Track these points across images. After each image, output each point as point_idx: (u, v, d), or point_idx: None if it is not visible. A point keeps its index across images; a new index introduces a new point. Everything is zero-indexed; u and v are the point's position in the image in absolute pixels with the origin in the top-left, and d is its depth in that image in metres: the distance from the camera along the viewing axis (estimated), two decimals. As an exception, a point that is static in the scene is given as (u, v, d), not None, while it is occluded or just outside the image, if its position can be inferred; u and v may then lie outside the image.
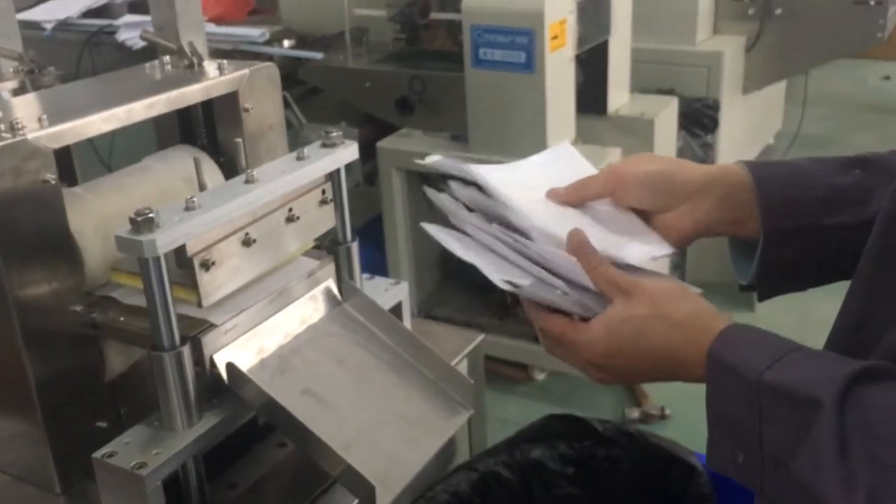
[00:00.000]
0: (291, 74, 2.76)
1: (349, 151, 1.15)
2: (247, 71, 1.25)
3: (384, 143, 2.62)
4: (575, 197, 0.95)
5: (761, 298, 0.91)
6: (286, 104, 2.71)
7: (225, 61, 1.25)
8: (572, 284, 0.85)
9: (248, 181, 1.04)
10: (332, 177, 1.16)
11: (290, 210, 1.10)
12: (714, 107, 3.08)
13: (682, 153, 2.95)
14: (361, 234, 1.19)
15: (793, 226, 0.85)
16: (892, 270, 0.72)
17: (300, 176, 1.09)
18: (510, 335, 2.64)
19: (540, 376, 2.86)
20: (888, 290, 0.72)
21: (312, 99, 2.92)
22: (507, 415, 2.51)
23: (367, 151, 2.64)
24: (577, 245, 0.84)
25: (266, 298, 1.09)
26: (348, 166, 1.17)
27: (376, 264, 2.81)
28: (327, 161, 1.13)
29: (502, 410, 2.61)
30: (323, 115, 2.83)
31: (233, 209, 1.00)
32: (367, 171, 2.79)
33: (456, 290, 2.88)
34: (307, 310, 1.15)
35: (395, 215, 2.66)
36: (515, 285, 0.86)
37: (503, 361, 2.72)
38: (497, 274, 0.87)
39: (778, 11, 3.11)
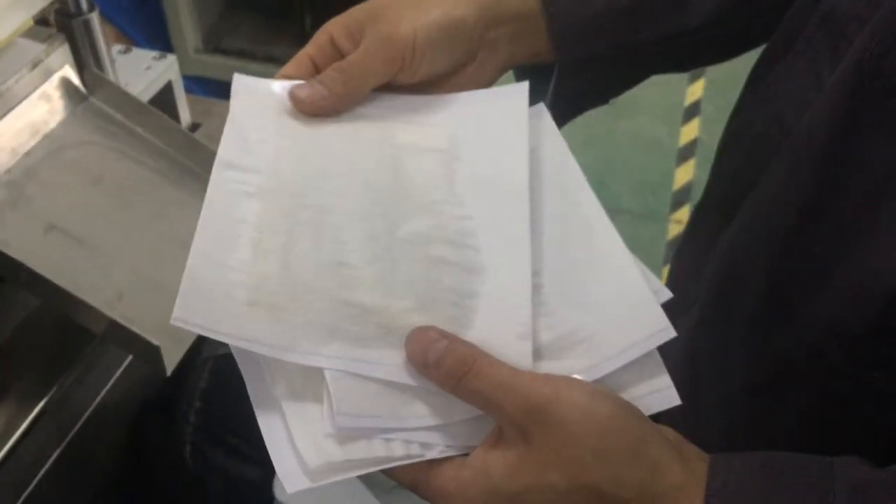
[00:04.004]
0: None
1: None
2: None
3: None
4: (336, 100, 0.56)
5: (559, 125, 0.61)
6: None
7: None
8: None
9: None
10: (44, -77, 0.83)
11: (-15, -19, 0.78)
12: None
13: None
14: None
15: (592, 52, 0.61)
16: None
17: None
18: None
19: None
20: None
21: None
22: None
23: None
24: (419, 346, 0.46)
25: (-27, 108, 0.81)
26: None
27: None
28: None
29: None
30: None
31: None
32: None
33: (245, 15, 2.51)
34: (39, 113, 0.87)
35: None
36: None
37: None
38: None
39: None
